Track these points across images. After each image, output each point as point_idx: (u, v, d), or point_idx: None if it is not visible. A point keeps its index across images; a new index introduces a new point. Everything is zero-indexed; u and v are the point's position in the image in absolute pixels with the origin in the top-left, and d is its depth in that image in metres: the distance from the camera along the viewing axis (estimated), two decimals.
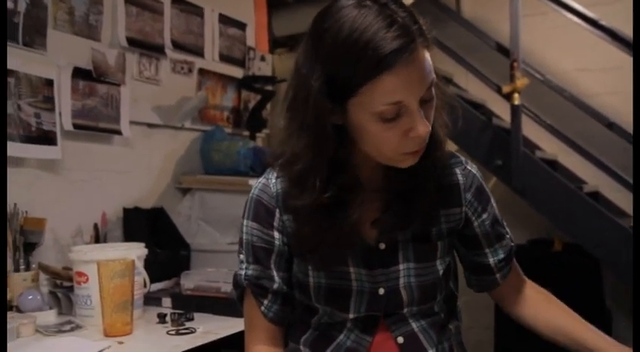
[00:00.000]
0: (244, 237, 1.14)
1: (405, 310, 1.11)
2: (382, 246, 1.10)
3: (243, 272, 1.13)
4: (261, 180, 1.14)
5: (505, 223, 1.22)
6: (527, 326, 1.22)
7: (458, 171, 1.14)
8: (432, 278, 1.11)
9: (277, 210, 1.11)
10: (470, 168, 1.16)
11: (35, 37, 2.00)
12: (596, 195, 3.21)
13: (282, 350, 1.17)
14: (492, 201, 1.19)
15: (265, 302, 1.13)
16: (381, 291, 1.10)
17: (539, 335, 1.20)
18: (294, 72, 1.02)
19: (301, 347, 1.15)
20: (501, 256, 1.19)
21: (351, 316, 1.10)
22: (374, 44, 0.91)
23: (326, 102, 0.96)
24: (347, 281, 1.10)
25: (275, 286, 1.13)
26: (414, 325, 1.12)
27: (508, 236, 1.21)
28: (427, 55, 0.95)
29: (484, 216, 1.16)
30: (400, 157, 1.00)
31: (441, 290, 1.14)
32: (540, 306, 1.22)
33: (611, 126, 3.09)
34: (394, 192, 1.07)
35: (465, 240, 1.19)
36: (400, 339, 1.11)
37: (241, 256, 1.15)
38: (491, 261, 1.19)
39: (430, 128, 0.97)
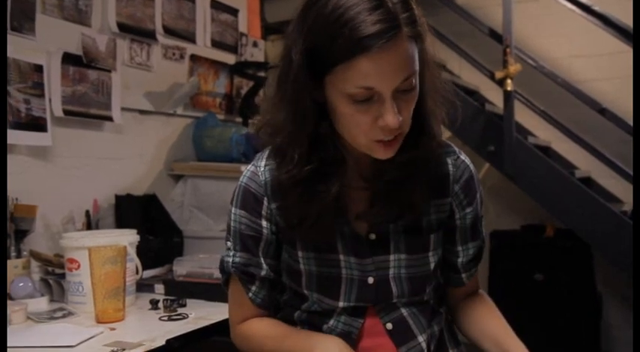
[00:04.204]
0: (232, 225, 1.14)
1: (395, 300, 1.11)
2: (372, 236, 1.10)
3: (230, 260, 1.14)
4: (250, 167, 1.14)
5: (484, 223, 1.20)
6: (463, 333, 1.21)
7: (449, 161, 1.13)
8: (423, 270, 1.11)
9: (265, 199, 1.11)
10: (463, 158, 1.15)
11: (24, 22, 1.98)
12: (588, 181, 3.22)
13: (272, 319, 1.18)
14: (479, 196, 1.16)
15: (253, 288, 1.14)
16: (370, 280, 1.09)
17: (473, 343, 1.17)
18: (283, 44, 1.03)
19: (295, 325, 1.16)
20: (471, 257, 1.17)
21: (340, 304, 1.10)
22: (353, 24, 0.89)
23: (305, 76, 0.96)
24: (336, 268, 1.10)
25: (263, 273, 1.13)
26: (403, 310, 1.12)
27: (482, 236, 1.19)
28: (412, 47, 0.93)
29: (468, 210, 1.14)
30: (372, 145, 0.98)
31: (430, 283, 1.14)
32: (476, 314, 1.18)
33: (603, 111, 3.10)
34: (383, 184, 1.06)
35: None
36: (389, 325, 1.11)
37: (228, 243, 1.15)
38: (460, 260, 1.17)
39: (400, 119, 0.94)
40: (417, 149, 1.03)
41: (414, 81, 0.95)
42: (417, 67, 0.95)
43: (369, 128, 0.96)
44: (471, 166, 1.15)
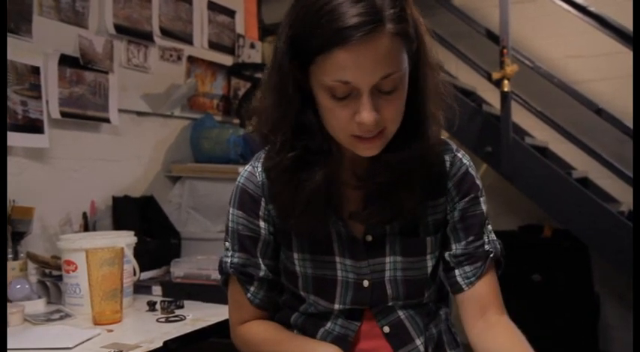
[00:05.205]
0: (230, 225, 1.14)
1: (391, 303, 1.10)
2: (369, 237, 1.09)
3: (228, 260, 1.14)
4: (248, 168, 1.14)
5: (490, 228, 1.13)
6: None
7: (447, 158, 1.11)
8: (420, 274, 1.10)
9: (263, 199, 1.11)
10: (460, 156, 1.12)
11: (21, 24, 1.98)
12: (585, 181, 3.23)
13: (271, 322, 1.17)
14: (477, 195, 1.11)
15: (252, 289, 1.14)
16: (366, 283, 1.09)
17: None
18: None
19: (292, 329, 1.16)
20: (460, 251, 1.10)
21: (336, 307, 1.10)
22: (333, 15, 0.88)
23: (288, 64, 0.96)
24: (332, 271, 1.09)
25: (261, 274, 1.13)
26: (400, 313, 1.11)
27: (483, 237, 1.11)
28: (395, 44, 0.90)
29: (456, 205, 1.10)
30: (352, 140, 0.97)
31: (429, 287, 1.12)
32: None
33: (599, 112, 3.10)
34: (375, 185, 1.05)
35: None
36: (386, 328, 1.11)
37: (227, 244, 1.15)
38: (448, 253, 1.10)
39: (375, 116, 0.92)
40: (409, 150, 1.01)
41: (397, 81, 0.93)
42: (404, 67, 0.93)
43: (348, 123, 0.95)
44: (468, 164, 1.12)
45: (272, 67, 1.01)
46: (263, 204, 1.11)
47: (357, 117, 0.93)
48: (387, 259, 1.09)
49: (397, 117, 0.97)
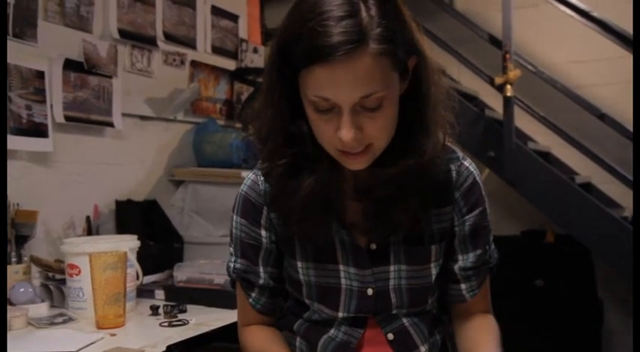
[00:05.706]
0: (233, 232, 1.15)
1: (395, 311, 1.10)
2: (373, 246, 1.08)
3: (232, 265, 1.15)
4: (251, 175, 1.14)
5: (492, 238, 1.14)
6: None
7: (453, 167, 1.09)
8: (424, 282, 1.09)
9: (265, 208, 1.11)
10: (467, 165, 1.10)
11: (25, 29, 1.99)
12: (588, 187, 3.23)
13: (274, 329, 1.18)
14: (483, 205, 1.11)
15: (253, 295, 1.15)
16: (370, 292, 1.08)
17: None
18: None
19: (295, 336, 1.16)
20: (470, 265, 1.11)
21: (340, 315, 1.10)
22: (316, 32, 0.86)
23: (277, 73, 0.95)
24: (336, 279, 1.09)
25: (261, 282, 1.13)
26: (404, 320, 1.11)
27: (487, 249, 1.13)
28: (379, 64, 0.88)
29: (467, 217, 1.09)
30: (338, 154, 0.97)
31: (433, 295, 1.12)
32: (467, 341, 1.10)
33: (602, 117, 3.10)
34: (373, 199, 1.04)
35: None
36: (390, 336, 1.10)
37: (231, 249, 1.16)
38: (457, 266, 1.11)
39: (354, 134, 0.91)
40: (400, 166, 0.99)
41: (381, 99, 0.91)
42: (390, 86, 0.92)
43: (331, 137, 0.94)
44: (475, 172, 1.11)
45: (263, 74, 1.02)
46: (265, 212, 1.11)
47: (338, 133, 0.92)
48: (392, 267, 1.08)
49: (383, 134, 0.96)
